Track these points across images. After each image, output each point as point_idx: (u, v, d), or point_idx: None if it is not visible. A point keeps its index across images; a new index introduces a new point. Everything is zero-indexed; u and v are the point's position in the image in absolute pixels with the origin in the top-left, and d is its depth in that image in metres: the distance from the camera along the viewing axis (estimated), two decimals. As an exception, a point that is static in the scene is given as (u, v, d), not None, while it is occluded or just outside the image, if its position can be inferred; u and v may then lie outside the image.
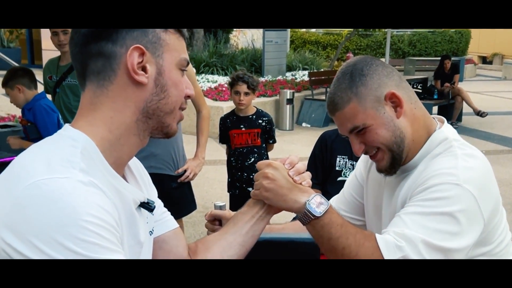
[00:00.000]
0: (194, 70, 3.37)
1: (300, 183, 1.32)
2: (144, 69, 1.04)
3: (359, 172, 1.74)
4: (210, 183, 6.22)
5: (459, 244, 1.29)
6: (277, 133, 9.60)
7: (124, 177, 1.11)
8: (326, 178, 3.12)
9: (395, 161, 1.44)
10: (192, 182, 3.52)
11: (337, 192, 1.84)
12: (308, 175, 1.35)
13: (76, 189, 0.89)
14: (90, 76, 1.04)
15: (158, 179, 3.35)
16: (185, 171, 3.36)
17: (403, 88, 1.44)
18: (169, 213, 1.32)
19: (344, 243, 1.28)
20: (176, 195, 3.36)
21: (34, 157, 0.95)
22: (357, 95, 1.38)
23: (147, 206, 1.12)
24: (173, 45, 1.08)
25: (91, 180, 0.93)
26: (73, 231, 0.85)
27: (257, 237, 1.34)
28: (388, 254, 1.26)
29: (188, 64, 1.12)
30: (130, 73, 1.02)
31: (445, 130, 1.46)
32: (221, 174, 6.51)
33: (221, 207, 1.53)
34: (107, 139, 1.03)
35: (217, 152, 8.12)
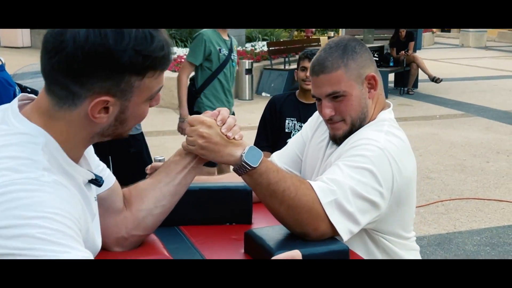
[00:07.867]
0: None
1: (233, 138, 1.39)
2: (106, 108, 1.05)
3: (305, 131, 1.87)
4: (170, 153, 6.24)
5: (378, 200, 1.47)
6: (237, 102, 9.72)
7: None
8: (276, 140, 3.20)
9: (350, 134, 1.61)
10: (150, 150, 3.52)
11: None
12: (238, 128, 1.40)
13: (41, 189, 0.95)
14: (52, 94, 1.05)
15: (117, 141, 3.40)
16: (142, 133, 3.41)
17: (378, 75, 1.63)
18: (107, 169, 1.34)
19: (284, 186, 1.39)
20: (134, 159, 3.40)
21: None
22: (346, 66, 1.56)
23: (95, 182, 1.17)
24: (147, 86, 1.07)
25: (55, 179, 0.98)
26: (39, 222, 0.91)
27: (188, 185, 1.40)
28: (322, 195, 1.41)
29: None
30: (89, 115, 1.04)
31: (387, 112, 1.66)
32: (179, 144, 6.49)
33: (160, 161, 1.62)
34: (62, 141, 1.06)
35: (176, 122, 8.11)
